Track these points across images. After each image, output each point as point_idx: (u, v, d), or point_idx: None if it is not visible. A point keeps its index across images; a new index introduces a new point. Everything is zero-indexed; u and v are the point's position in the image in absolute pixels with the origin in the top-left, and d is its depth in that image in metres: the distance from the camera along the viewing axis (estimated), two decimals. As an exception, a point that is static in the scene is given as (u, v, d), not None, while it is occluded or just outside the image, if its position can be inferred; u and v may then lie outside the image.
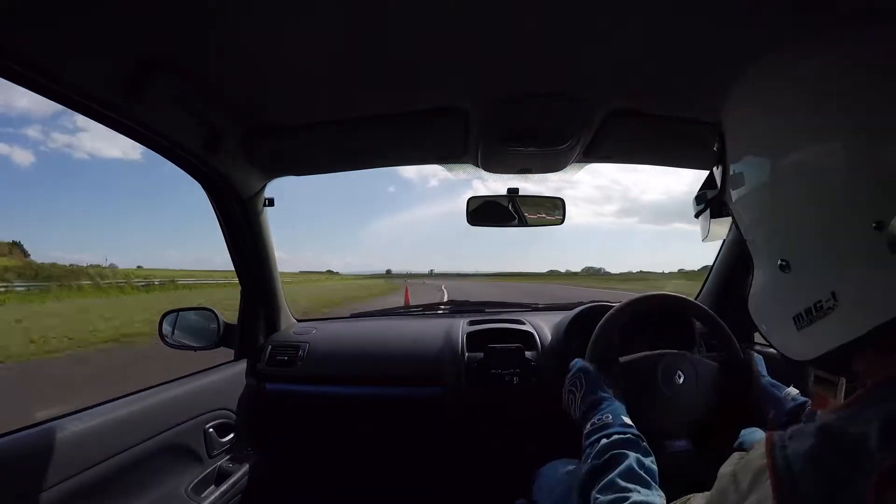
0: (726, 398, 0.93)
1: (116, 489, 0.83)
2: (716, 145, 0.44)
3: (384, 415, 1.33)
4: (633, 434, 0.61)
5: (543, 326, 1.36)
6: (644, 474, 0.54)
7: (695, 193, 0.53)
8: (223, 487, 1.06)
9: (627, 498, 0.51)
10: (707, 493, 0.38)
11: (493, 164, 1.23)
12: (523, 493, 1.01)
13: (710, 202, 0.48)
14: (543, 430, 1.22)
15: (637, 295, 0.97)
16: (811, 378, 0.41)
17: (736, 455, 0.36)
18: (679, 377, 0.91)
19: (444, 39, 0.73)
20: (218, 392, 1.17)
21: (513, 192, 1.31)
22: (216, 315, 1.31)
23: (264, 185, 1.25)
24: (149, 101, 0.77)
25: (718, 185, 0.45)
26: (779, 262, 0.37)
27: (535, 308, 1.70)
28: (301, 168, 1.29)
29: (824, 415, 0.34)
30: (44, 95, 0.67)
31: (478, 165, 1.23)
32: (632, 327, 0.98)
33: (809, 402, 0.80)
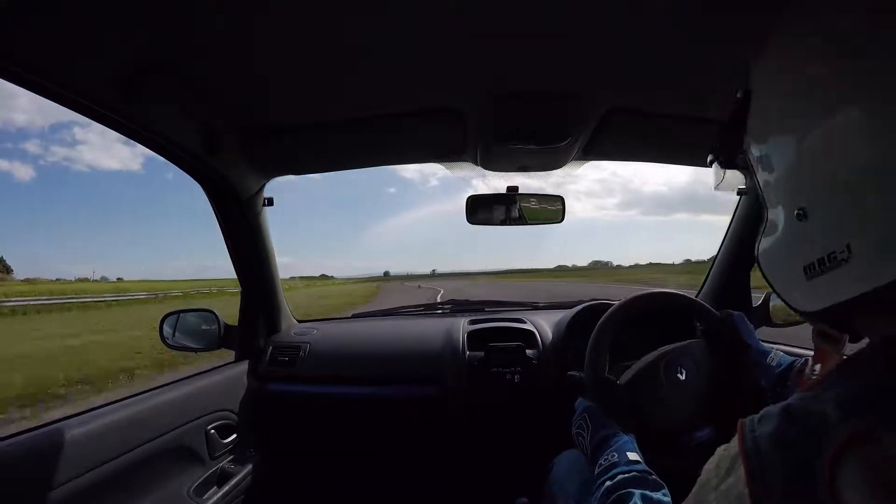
0: (729, 376, 0.94)
1: (118, 491, 0.83)
2: (738, 93, 0.43)
3: (385, 415, 1.32)
4: (638, 471, 0.61)
5: (544, 325, 1.36)
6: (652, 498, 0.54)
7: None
8: (225, 489, 1.06)
9: None
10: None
11: (492, 163, 1.23)
12: (531, 487, 1.00)
13: (724, 151, 0.47)
14: (544, 428, 1.22)
15: (619, 302, 0.99)
16: (814, 333, 0.41)
17: (720, 448, 0.37)
18: (681, 373, 0.91)
19: (442, 38, 0.73)
20: (219, 393, 1.16)
21: (512, 190, 1.31)
22: (216, 316, 1.31)
23: (263, 185, 1.25)
24: (147, 101, 0.77)
25: (736, 134, 0.44)
26: (796, 210, 0.36)
27: (535, 306, 1.70)
28: (300, 167, 1.29)
29: (792, 397, 0.34)
30: (43, 96, 0.67)
31: (477, 164, 1.23)
32: (630, 329, 0.99)
33: (795, 360, 0.82)
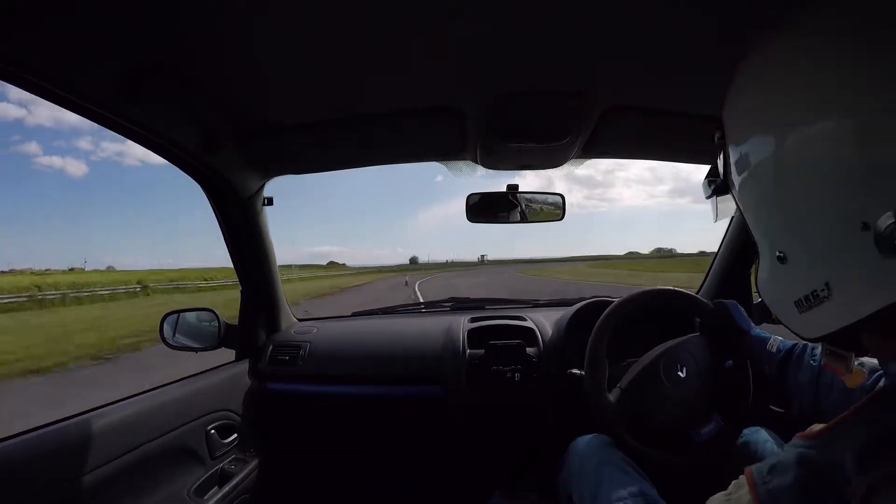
0: (733, 368, 0.94)
1: (119, 491, 0.83)
2: (716, 136, 0.46)
3: (386, 413, 1.33)
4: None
5: (544, 323, 1.36)
6: None
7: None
8: (226, 489, 1.06)
9: None
10: None
11: (492, 161, 1.23)
12: (530, 483, 1.01)
13: (717, 189, 0.50)
14: (545, 425, 1.23)
15: (616, 302, 1.00)
16: (823, 350, 0.44)
17: (720, 496, 0.38)
18: (682, 371, 0.92)
19: (442, 37, 0.73)
20: (219, 393, 1.16)
21: (512, 188, 1.31)
22: (217, 315, 1.31)
23: (263, 185, 1.25)
24: (147, 101, 0.77)
25: (722, 175, 0.47)
26: (777, 253, 0.39)
27: (535, 304, 1.70)
28: (300, 167, 1.29)
29: (799, 443, 0.36)
30: (42, 97, 0.67)
31: (477, 162, 1.23)
32: (630, 327, 1.00)
33: (795, 344, 0.83)
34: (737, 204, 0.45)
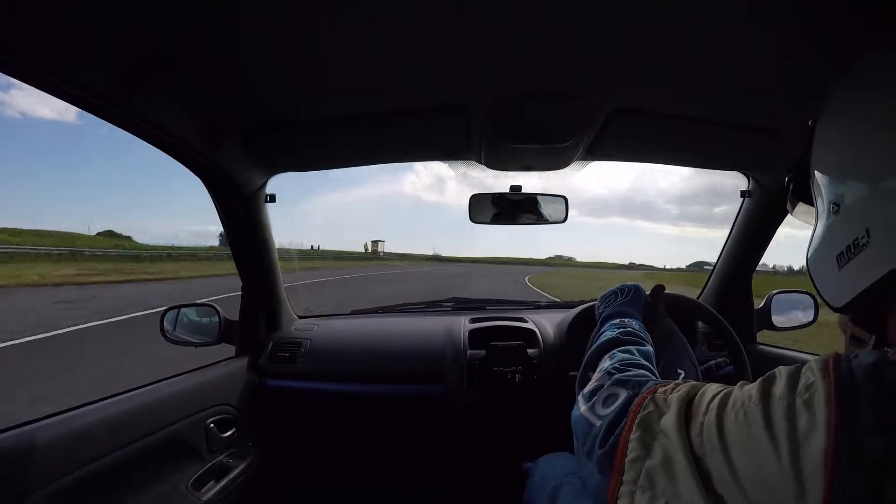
0: (729, 370, 0.95)
1: (117, 484, 0.84)
2: (810, 121, 0.48)
3: (386, 412, 1.33)
4: (651, 343, 0.66)
5: (545, 324, 1.36)
6: (652, 365, 0.58)
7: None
8: (223, 483, 1.06)
9: (641, 361, 0.56)
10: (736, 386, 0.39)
11: (496, 162, 1.22)
12: (522, 489, 1.01)
13: (793, 180, 0.52)
14: (545, 427, 1.23)
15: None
16: (847, 336, 0.45)
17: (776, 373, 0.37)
18: (679, 374, 0.91)
19: (446, 37, 0.72)
20: (219, 388, 1.17)
21: (516, 189, 1.31)
22: (217, 311, 1.31)
23: (266, 181, 1.25)
24: (150, 96, 0.77)
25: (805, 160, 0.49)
26: (832, 206, 0.41)
27: (537, 306, 1.70)
28: (303, 164, 1.29)
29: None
30: (44, 90, 0.67)
31: (481, 162, 1.22)
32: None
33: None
34: (812, 178, 0.46)
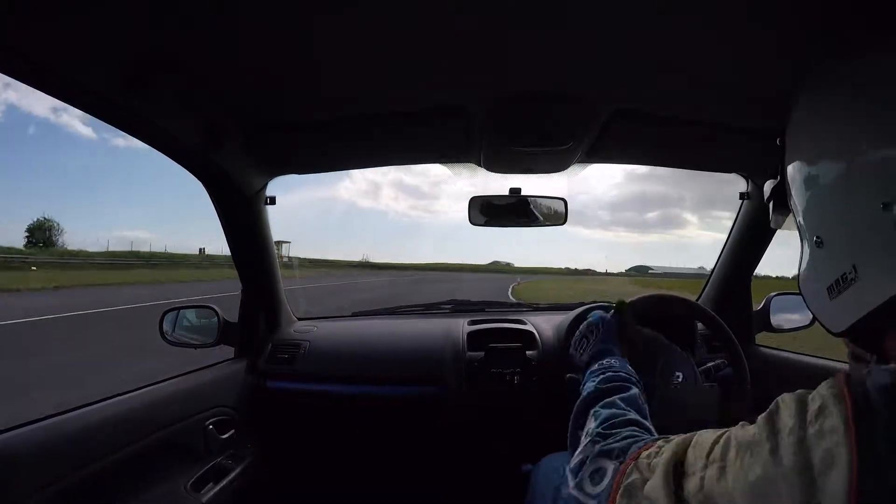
0: (727, 372, 0.94)
1: (116, 486, 0.83)
2: (778, 140, 0.49)
3: (385, 414, 1.33)
4: (636, 380, 0.65)
5: (544, 326, 1.37)
6: (643, 406, 0.58)
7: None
8: (222, 484, 1.06)
9: (626, 415, 0.55)
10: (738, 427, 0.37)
11: (496, 164, 1.23)
12: (523, 490, 1.01)
13: (774, 194, 0.53)
14: (544, 429, 1.22)
15: (642, 295, 0.98)
16: (849, 352, 0.44)
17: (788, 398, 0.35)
18: (677, 377, 0.91)
19: (446, 39, 0.73)
20: (218, 389, 1.17)
21: (515, 192, 1.31)
22: (217, 312, 1.31)
23: (266, 184, 1.25)
24: (151, 98, 0.77)
25: (779, 177, 0.49)
26: (815, 238, 0.41)
27: (536, 308, 1.70)
28: (303, 167, 1.29)
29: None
30: (45, 91, 0.67)
31: (480, 165, 1.23)
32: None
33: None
34: (789, 196, 0.46)
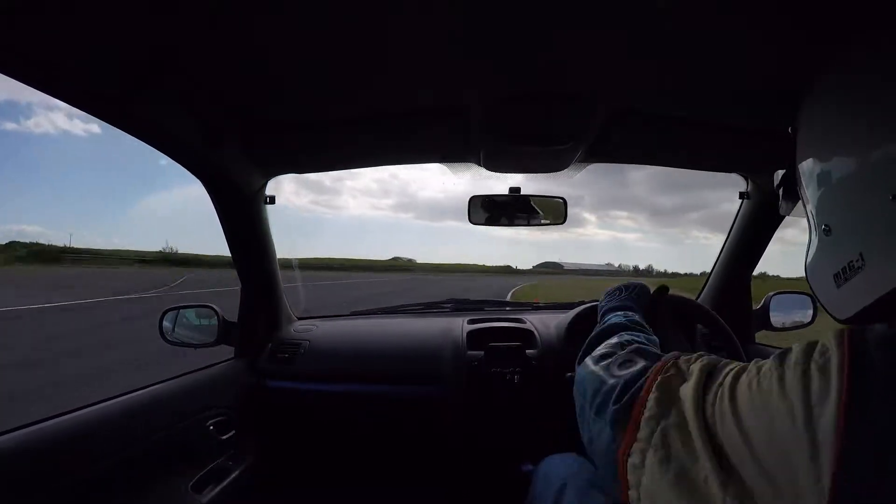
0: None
1: (116, 487, 0.83)
2: (789, 128, 0.49)
3: (385, 413, 1.33)
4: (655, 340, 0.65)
5: (544, 325, 1.37)
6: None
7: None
8: (223, 485, 1.06)
9: (651, 346, 0.55)
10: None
11: (495, 164, 1.23)
12: (522, 490, 1.01)
13: (783, 182, 0.53)
14: (544, 428, 1.23)
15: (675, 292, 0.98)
16: None
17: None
18: None
19: (446, 39, 0.73)
20: (218, 389, 1.17)
21: (514, 191, 1.31)
22: (216, 312, 1.31)
23: (265, 183, 1.25)
24: (150, 96, 0.77)
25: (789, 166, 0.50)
26: (823, 227, 0.42)
27: (535, 307, 1.70)
28: (303, 166, 1.29)
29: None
30: (43, 91, 0.67)
31: (480, 164, 1.23)
32: None
33: None
34: (799, 184, 0.47)
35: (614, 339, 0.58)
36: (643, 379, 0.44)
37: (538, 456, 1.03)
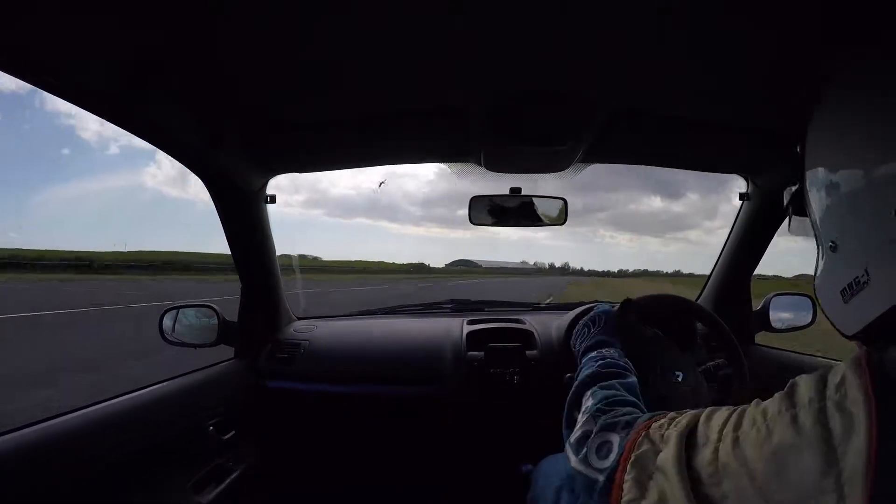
0: (727, 372, 0.95)
1: (116, 488, 0.83)
2: (797, 147, 0.49)
3: (384, 413, 1.33)
4: (633, 372, 0.66)
5: (544, 326, 1.37)
6: (640, 397, 0.58)
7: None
8: (223, 485, 1.06)
9: (625, 397, 0.55)
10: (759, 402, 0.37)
11: (496, 164, 1.23)
12: (522, 490, 1.01)
13: (793, 199, 0.52)
14: (544, 429, 1.22)
15: (646, 294, 0.98)
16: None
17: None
18: (677, 376, 0.91)
19: (445, 37, 0.73)
20: (218, 389, 1.16)
21: (515, 191, 1.31)
22: (216, 312, 1.31)
23: (265, 182, 1.25)
24: (150, 96, 0.77)
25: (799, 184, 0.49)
26: (830, 243, 0.42)
27: (535, 307, 1.71)
28: (303, 165, 1.29)
29: None
30: (45, 90, 0.67)
31: (480, 164, 1.23)
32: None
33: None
34: (806, 198, 0.46)
35: (589, 402, 0.56)
36: (618, 458, 0.43)
37: (538, 456, 1.03)
